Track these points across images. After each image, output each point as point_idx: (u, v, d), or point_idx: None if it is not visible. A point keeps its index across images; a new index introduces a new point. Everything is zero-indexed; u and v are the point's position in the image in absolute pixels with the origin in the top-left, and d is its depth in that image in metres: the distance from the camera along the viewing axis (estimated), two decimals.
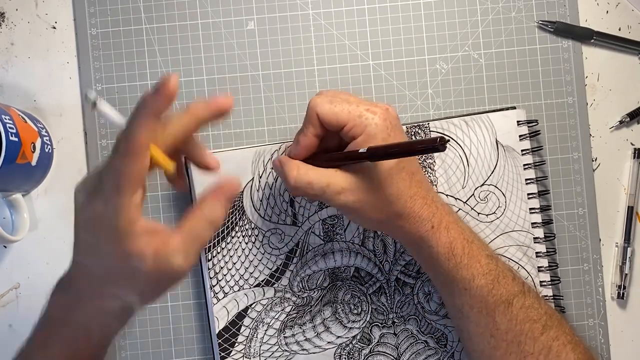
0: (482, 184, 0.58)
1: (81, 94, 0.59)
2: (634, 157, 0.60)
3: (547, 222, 0.59)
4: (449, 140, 0.39)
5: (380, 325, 0.58)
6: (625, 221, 0.60)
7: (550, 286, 0.58)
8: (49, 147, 0.58)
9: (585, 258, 0.60)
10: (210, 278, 0.57)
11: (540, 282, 0.58)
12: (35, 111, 0.59)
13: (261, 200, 0.57)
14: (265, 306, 0.57)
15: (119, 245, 0.40)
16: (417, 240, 0.49)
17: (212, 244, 0.57)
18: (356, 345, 0.58)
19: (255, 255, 0.57)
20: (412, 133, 0.57)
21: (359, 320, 0.58)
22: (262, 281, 0.57)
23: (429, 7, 0.60)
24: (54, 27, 0.60)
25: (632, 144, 0.61)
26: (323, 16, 0.60)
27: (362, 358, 0.58)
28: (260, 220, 0.57)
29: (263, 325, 0.57)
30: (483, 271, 0.49)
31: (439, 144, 0.39)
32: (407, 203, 0.48)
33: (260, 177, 0.57)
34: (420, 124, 0.58)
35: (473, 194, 0.58)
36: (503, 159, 0.58)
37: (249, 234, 0.57)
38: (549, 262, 0.58)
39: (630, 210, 0.60)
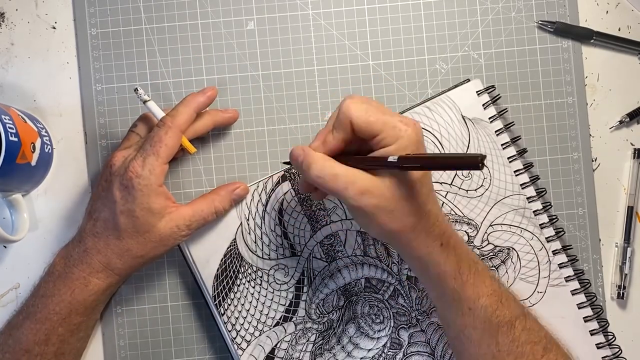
0: None
1: (81, 94, 0.59)
2: (634, 157, 0.60)
3: (535, 180, 0.58)
4: (485, 157, 0.37)
5: (406, 326, 0.58)
6: (625, 221, 0.60)
7: (557, 240, 0.58)
8: (49, 147, 0.58)
9: (585, 258, 0.60)
10: (229, 331, 0.56)
11: (546, 238, 0.58)
12: (35, 111, 0.59)
13: (255, 242, 0.57)
14: (290, 342, 0.57)
15: (147, 199, 0.50)
16: (424, 257, 0.48)
17: (221, 297, 0.56)
18: (389, 353, 0.57)
19: (265, 297, 0.57)
20: None
21: (384, 328, 0.57)
22: (280, 319, 0.57)
23: (429, 7, 0.60)
24: (54, 27, 0.60)
25: (632, 144, 0.61)
26: (323, 16, 0.60)
27: None
28: (260, 261, 0.57)
29: None
30: (488, 291, 0.49)
31: (479, 162, 0.36)
32: (422, 218, 0.47)
33: (248, 220, 0.57)
34: None
35: (456, 174, 0.58)
36: (474, 132, 0.58)
37: (253, 277, 0.57)
38: (548, 218, 0.58)
39: (630, 210, 0.60)
